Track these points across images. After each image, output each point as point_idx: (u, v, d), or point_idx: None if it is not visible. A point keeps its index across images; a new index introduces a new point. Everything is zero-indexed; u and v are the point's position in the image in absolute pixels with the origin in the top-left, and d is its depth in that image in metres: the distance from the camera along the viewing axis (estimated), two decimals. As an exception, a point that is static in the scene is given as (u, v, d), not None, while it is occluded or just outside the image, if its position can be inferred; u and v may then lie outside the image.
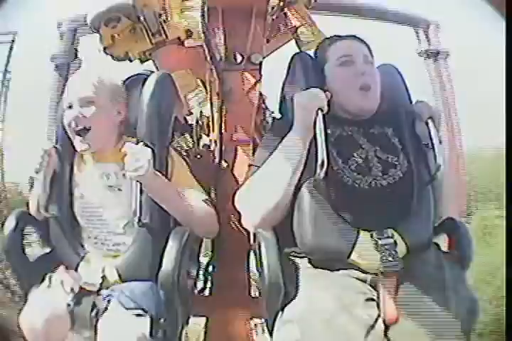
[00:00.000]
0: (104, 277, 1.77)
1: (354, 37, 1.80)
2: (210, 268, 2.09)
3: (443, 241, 1.72)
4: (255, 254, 1.68)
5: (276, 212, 1.63)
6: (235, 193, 1.75)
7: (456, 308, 1.48)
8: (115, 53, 2.22)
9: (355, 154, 1.68)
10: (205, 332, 2.11)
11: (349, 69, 1.73)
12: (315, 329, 1.43)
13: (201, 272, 2.02)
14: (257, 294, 1.81)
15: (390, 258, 1.57)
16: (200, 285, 2.06)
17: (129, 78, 2.02)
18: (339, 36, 1.83)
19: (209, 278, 2.09)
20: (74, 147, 1.87)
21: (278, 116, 1.97)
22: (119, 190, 1.81)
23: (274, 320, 1.57)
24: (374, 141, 1.71)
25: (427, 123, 1.68)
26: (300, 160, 1.62)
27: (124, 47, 2.24)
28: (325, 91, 1.66)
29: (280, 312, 1.55)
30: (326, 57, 1.79)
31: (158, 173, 1.76)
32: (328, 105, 1.63)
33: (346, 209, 1.62)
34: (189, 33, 2.24)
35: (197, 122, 2.10)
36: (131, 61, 2.27)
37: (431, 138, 1.67)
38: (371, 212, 1.62)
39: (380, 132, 1.75)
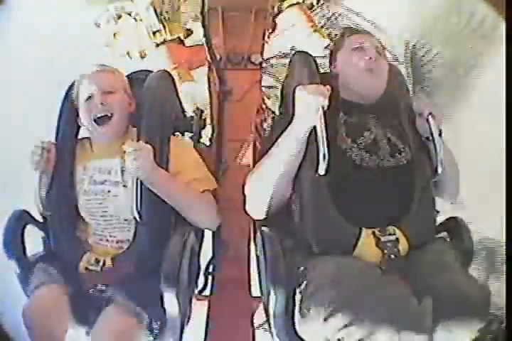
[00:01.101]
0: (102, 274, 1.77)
1: (369, 32, 1.91)
2: (210, 268, 2.08)
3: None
4: (257, 253, 1.68)
5: (277, 202, 1.67)
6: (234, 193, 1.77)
7: (469, 289, 1.47)
8: (116, 50, 2.23)
9: (364, 134, 1.72)
10: (206, 332, 2.10)
11: (359, 54, 1.80)
12: (349, 280, 1.43)
13: (201, 272, 2.02)
14: (258, 293, 1.80)
15: (392, 256, 1.57)
16: (200, 285, 2.05)
17: (130, 75, 2.03)
18: (357, 30, 1.94)
19: (209, 277, 2.08)
20: (75, 143, 1.89)
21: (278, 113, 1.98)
22: (124, 186, 1.80)
23: (275, 318, 1.57)
24: (384, 125, 1.76)
25: (427, 119, 1.69)
26: (299, 152, 1.62)
27: (125, 44, 2.24)
28: (325, 86, 1.66)
29: (298, 290, 1.53)
30: (341, 45, 1.87)
31: (160, 168, 1.76)
32: (329, 101, 1.64)
33: (350, 202, 1.62)
34: (189, 32, 2.24)
35: (197, 121, 2.09)
36: (131, 58, 2.28)
37: (432, 133, 1.69)
38: (374, 206, 1.63)
39: (389, 120, 1.79)
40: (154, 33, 2.24)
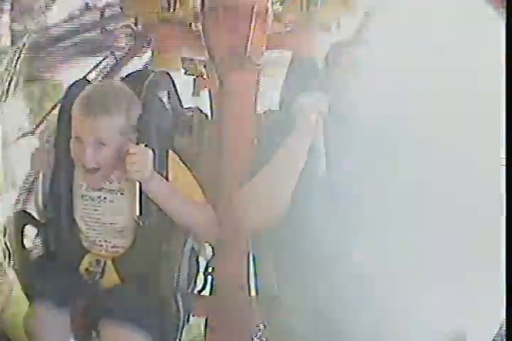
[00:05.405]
0: (102, 277, 1.77)
1: None
2: (210, 268, 2.09)
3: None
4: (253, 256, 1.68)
5: (274, 216, 1.63)
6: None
7: None
8: (126, 12, 2.23)
9: None
10: (205, 332, 2.11)
11: None
12: None
13: (201, 272, 2.02)
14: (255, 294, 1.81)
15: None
16: (200, 285, 2.06)
17: (129, 75, 2.03)
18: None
19: (209, 278, 2.09)
20: None
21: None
22: (121, 194, 1.81)
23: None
24: None
25: None
26: (300, 163, 1.60)
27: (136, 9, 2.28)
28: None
29: None
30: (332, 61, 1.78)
31: (159, 174, 1.76)
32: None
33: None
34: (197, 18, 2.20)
35: (197, 121, 2.09)
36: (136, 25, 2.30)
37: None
38: None
39: None
40: (162, 8, 2.24)
